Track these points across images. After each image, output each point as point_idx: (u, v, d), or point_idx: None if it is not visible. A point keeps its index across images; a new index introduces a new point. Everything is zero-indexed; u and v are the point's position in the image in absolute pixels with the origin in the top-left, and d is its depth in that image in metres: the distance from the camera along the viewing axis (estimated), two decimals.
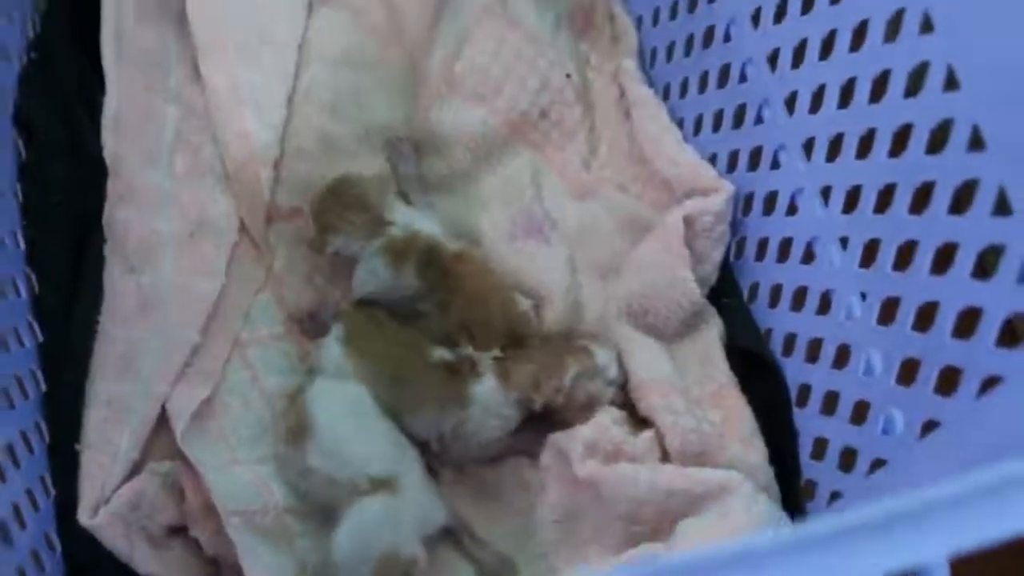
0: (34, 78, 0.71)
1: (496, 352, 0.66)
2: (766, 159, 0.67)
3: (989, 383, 0.48)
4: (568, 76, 0.78)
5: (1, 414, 0.60)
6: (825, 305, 0.62)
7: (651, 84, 0.79)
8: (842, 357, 0.60)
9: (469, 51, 0.77)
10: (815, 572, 0.26)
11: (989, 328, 0.48)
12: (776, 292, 0.67)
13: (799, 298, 0.64)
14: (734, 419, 0.66)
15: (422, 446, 0.65)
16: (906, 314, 0.54)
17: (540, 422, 0.66)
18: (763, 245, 0.68)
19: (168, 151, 0.72)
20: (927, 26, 0.51)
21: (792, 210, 0.65)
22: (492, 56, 0.76)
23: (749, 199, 0.69)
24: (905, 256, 0.54)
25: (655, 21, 0.80)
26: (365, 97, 0.74)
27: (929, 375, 0.52)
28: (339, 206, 0.68)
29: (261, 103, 0.72)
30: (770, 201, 0.67)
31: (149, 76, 0.73)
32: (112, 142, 0.71)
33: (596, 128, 0.79)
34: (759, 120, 0.68)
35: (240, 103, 0.72)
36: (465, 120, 0.75)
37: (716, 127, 0.73)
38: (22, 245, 0.68)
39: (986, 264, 0.48)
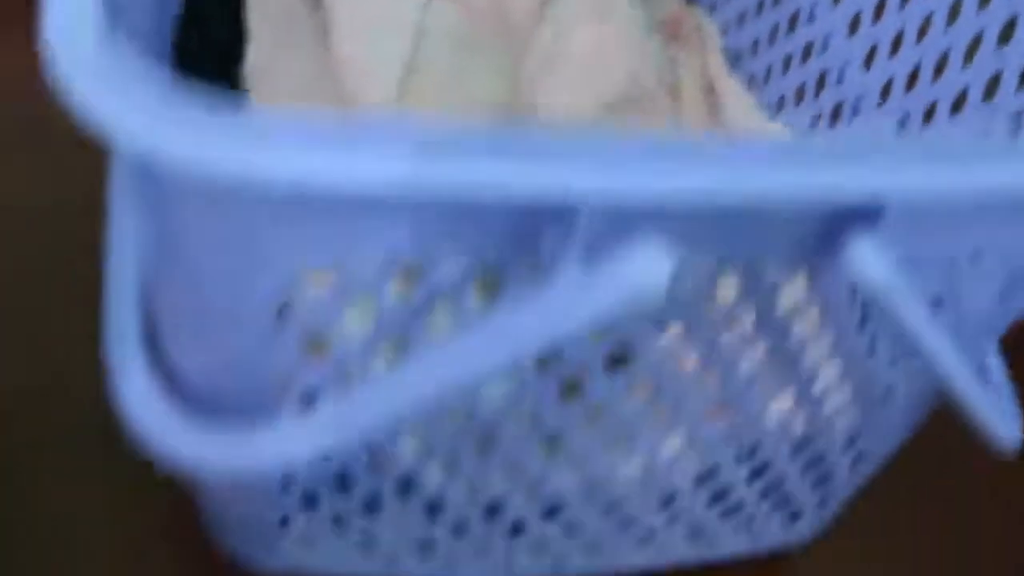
0: (188, 32, 0.85)
1: None
2: (846, 114, 0.79)
3: None
4: (656, 71, 0.91)
5: None
6: None
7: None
8: None
9: (565, 42, 0.90)
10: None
11: None
12: None
13: None
14: None
15: None
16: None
17: None
18: None
19: (297, 105, 0.85)
20: None
21: None
22: (585, 48, 0.90)
23: None
24: None
25: (740, 23, 0.93)
26: (470, 76, 0.87)
27: None
28: None
29: (380, 76, 0.85)
30: None
31: (285, 35, 0.87)
32: (251, 90, 0.84)
33: (683, 116, 0.91)
34: (840, 81, 0.80)
35: (362, 74, 0.85)
36: (559, 101, 0.88)
37: (798, 101, 0.85)
38: None
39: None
